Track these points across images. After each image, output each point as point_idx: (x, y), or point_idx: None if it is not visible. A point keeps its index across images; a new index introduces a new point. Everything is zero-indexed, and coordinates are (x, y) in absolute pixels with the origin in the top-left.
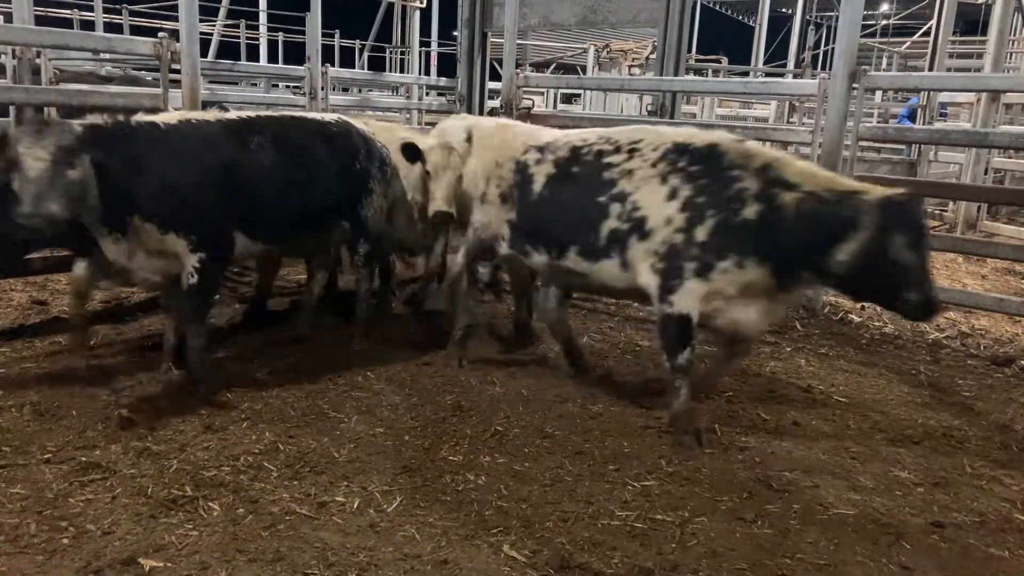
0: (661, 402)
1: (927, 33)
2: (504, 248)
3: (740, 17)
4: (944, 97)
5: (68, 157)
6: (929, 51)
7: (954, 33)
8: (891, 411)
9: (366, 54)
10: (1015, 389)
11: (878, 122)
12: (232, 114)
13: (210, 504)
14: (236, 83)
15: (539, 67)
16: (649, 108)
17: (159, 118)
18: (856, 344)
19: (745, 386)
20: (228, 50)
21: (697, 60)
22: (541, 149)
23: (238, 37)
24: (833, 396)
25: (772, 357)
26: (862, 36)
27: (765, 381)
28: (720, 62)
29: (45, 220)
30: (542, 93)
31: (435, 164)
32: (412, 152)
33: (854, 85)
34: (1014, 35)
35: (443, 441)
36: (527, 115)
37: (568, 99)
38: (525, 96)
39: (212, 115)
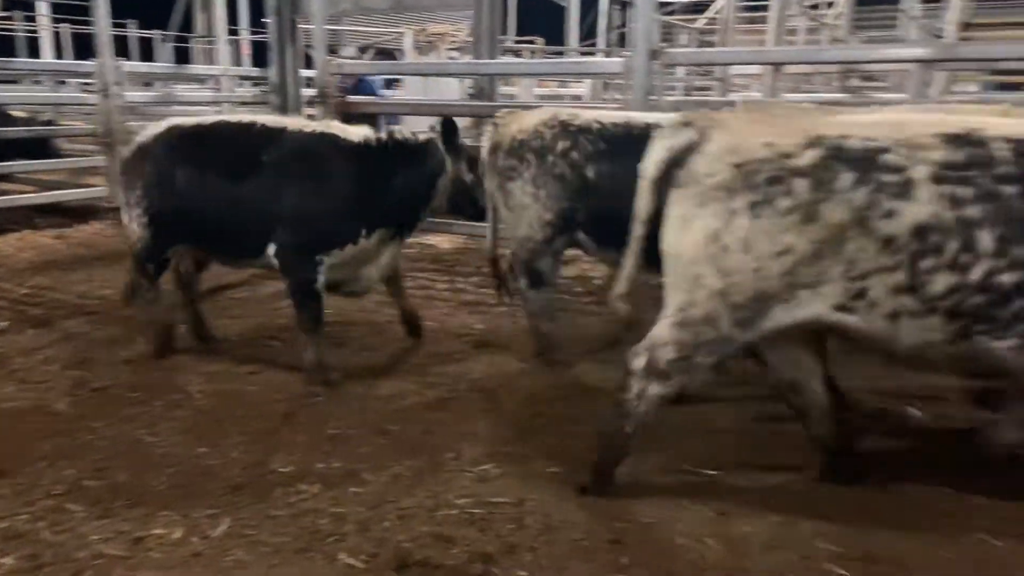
0: None
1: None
2: None
3: None
4: (738, 69)
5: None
6: (721, 28)
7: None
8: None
9: (169, 45)
10: None
11: (682, 96)
12: None
13: (2, 561)
14: (16, 81)
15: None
16: (470, 91)
17: None
18: None
19: None
20: (4, 45)
21: (516, 42)
22: None
23: (14, 30)
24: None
25: None
26: (664, 14)
27: None
28: (534, 43)
29: None
30: None
31: None
32: None
33: (655, 62)
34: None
35: (274, 453)
36: (343, 103)
37: (388, 84)
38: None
39: None
